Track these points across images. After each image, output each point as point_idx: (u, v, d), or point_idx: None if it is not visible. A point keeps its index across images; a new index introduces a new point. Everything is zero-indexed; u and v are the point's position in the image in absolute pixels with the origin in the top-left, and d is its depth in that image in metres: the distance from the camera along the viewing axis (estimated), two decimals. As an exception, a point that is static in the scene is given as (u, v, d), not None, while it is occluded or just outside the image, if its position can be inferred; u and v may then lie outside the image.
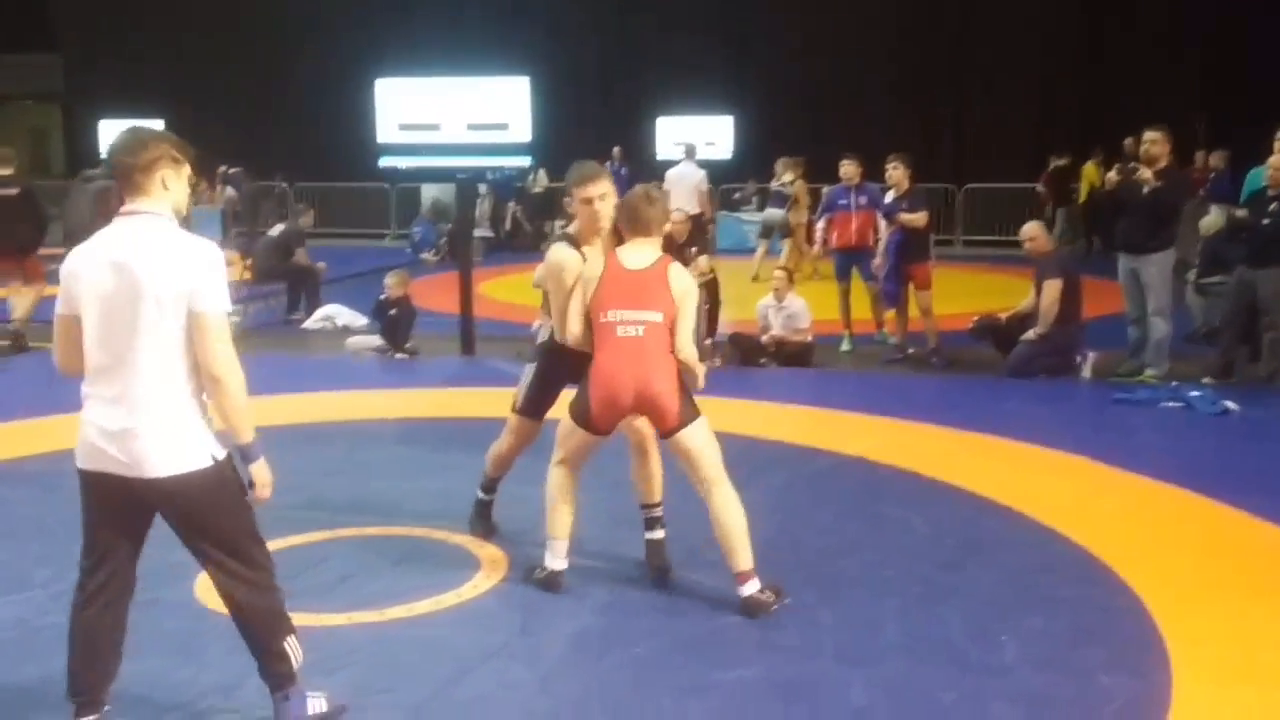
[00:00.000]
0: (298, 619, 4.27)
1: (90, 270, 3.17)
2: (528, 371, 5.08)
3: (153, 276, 3.11)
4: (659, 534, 4.86)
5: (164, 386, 3.16)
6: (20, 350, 10.01)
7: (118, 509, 3.26)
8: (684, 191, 14.33)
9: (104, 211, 10.17)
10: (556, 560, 4.66)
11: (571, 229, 4.86)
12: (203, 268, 3.17)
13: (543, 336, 5.06)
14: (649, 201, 4.59)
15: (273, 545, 4.94)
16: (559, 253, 4.67)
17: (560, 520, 4.63)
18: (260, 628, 3.38)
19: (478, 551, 5.09)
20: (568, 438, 4.61)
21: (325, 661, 4.00)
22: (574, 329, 4.56)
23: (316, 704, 3.51)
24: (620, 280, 4.46)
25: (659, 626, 4.34)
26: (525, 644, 4.19)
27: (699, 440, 4.49)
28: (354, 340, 10.22)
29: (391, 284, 9.99)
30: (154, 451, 3.15)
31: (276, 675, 3.40)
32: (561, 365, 4.80)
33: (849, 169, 10.36)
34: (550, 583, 4.63)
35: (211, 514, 3.26)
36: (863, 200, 10.16)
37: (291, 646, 3.40)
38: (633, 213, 4.55)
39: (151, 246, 3.16)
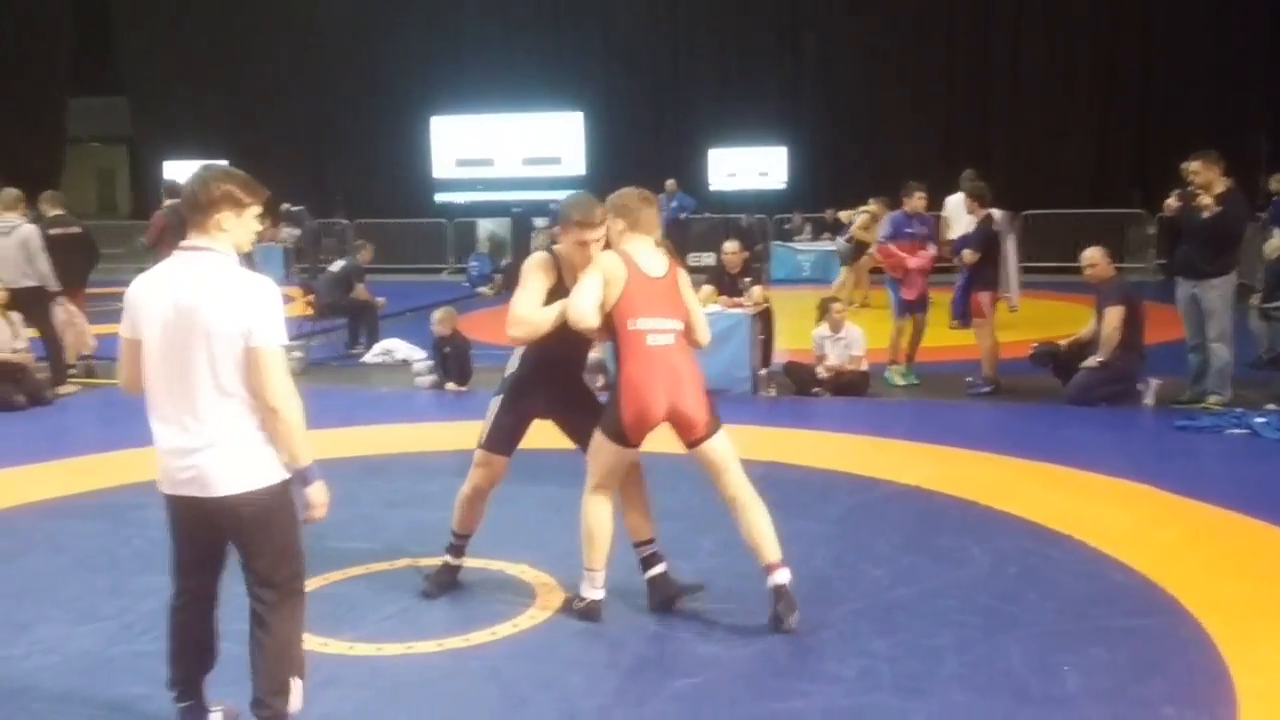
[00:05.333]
0: (358, 649, 4.36)
1: (151, 300, 3.30)
2: (493, 404, 4.83)
3: (209, 312, 3.22)
4: (663, 568, 4.77)
5: (225, 411, 3.27)
6: (90, 376, 10.41)
7: (194, 528, 3.41)
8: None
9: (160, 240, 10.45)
10: (596, 590, 4.66)
11: (556, 248, 4.69)
12: (258, 303, 3.27)
13: (511, 368, 4.82)
14: (647, 202, 4.65)
15: (333, 576, 5.09)
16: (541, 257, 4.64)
17: (600, 551, 4.63)
18: (277, 658, 3.41)
19: (534, 582, 5.12)
20: (599, 457, 4.57)
21: (383, 692, 4.05)
22: (595, 319, 4.42)
23: None
24: (647, 288, 4.47)
25: (712, 656, 4.33)
26: (581, 674, 4.20)
27: (726, 446, 4.58)
28: (419, 375, 10.33)
29: (438, 321, 10.08)
30: (220, 471, 3.28)
31: (269, 709, 3.39)
32: (529, 396, 4.72)
33: (921, 201, 10.06)
34: (590, 613, 4.64)
35: (267, 533, 3.36)
36: (924, 230, 10.00)
37: (295, 687, 3.45)
38: (633, 213, 4.58)
39: (208, 282, 3.26)
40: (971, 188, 9.96)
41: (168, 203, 11.46)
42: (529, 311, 4.49)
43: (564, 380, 4.80)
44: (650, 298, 4.46)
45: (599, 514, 4.62)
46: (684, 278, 4.67)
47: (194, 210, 3.35)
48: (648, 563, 4.78)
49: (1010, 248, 9.70)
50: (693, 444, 4.56)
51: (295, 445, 3.33)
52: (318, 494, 3.41)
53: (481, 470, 4.83)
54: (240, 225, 3.38)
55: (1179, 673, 4.10)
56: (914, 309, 9.83)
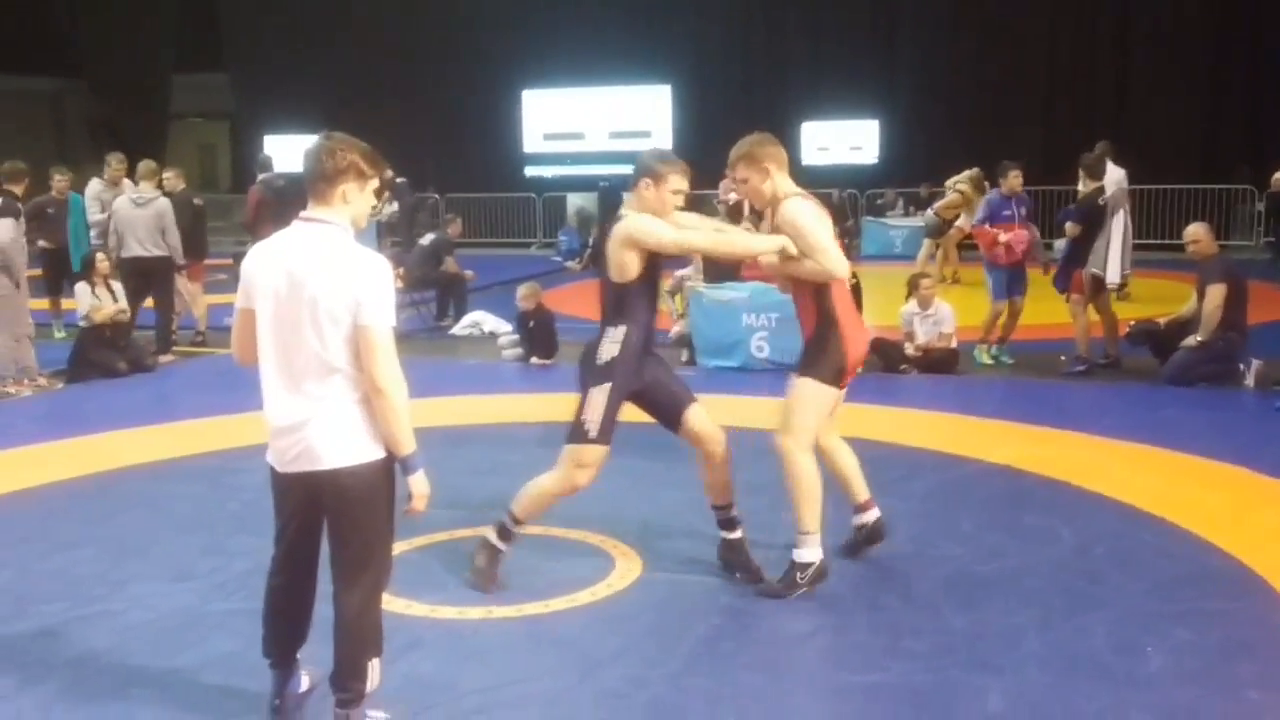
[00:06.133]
0: (440, 612, 4.45)
1: (265, 271, 3.28)
2: (598, 395, 4.49)
3: (320, 287, 3.19)
4: (738, 534, 4.81)
5: (331, 385, 3.24)
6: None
7: (299, 504, 3.39)
8: None
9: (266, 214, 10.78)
10: (818, 551, 4.58)
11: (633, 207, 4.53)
12: (370, 282, 3.21)
13: (610, 353, 4.49)
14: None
15: (417, 542, 5.19)
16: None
17: (818, 509, 4.56)
18: (357, 640, 3.40)
19: (613, 552, 5.16)
20: (811, 406, 4.53)
21: (463, 655, 4.13)
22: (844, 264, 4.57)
23: None
24: None
25: (789, 629, 4.33)
26: (656, 642, 4.23)
27: None
28: (505, 349, 10.44)
29: (522, 296, 10.16)
30: (326, 443, 3.25)
31: (348, 691, 3.40)
32: (634, 378, 4.55)
33: (1018, 180, 9.74)
34: (821, 575, 4.59)
35: (365, 509, 3.33)
36: (1023, 211, 9.69)
37: (374, 668, 3.42)
38: (779, 154, 4.70)
39: (322, 256, 3.23)
40: (1084, 160, 9.68)
41: (261, 177, 11.75)
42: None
43: (653, 357, 4.71)
44: None
45: (813, 470, 4.57)
46: None
47: (318, 180, 3.28)
48: (726, 525, 4.81)
49: (1115, 226, 9.42)
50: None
51: (398, 430, 3.27)
52: (419, 484, 3.37)
53: (589, 471, 4.55)
54: (362, 198, 3.34)
55: (1268, 657, 4.01)
56: (1013, 292, 9.59)
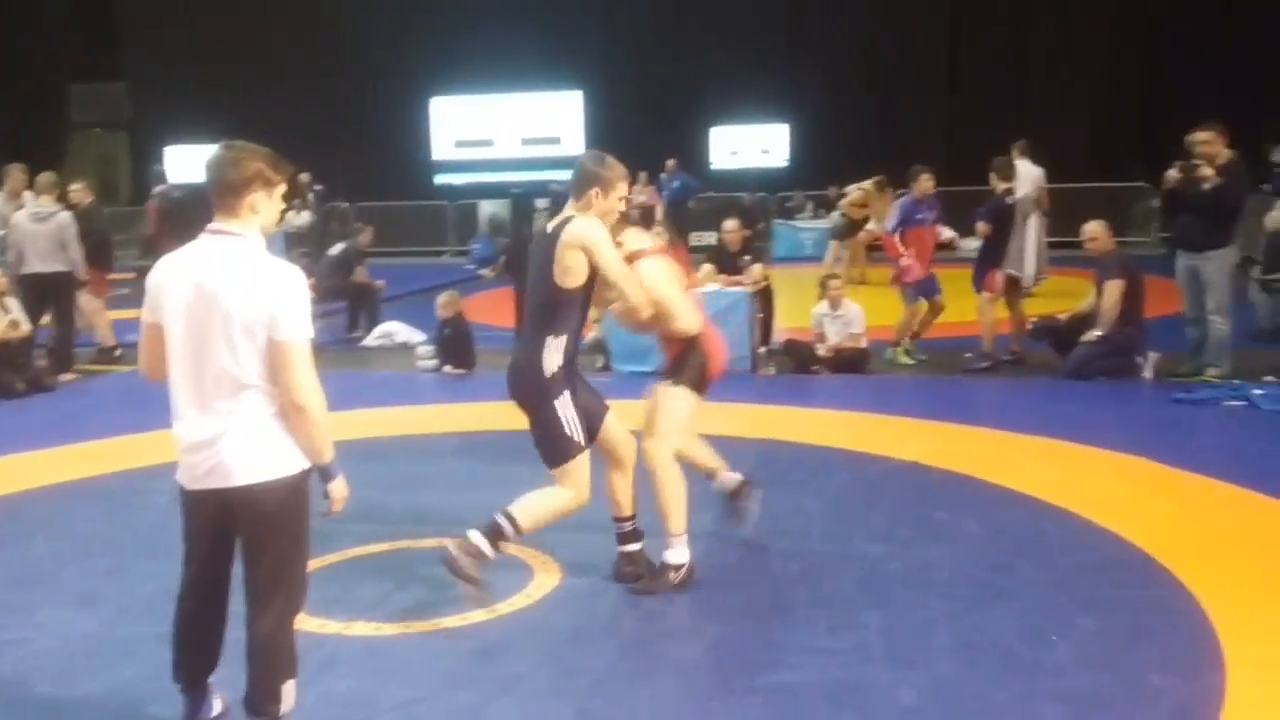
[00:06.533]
0: (355, 629, 4.40)
1: (174, 286, 3.20)
2: (561, 408, 4.42)
3: (234, 301, 3.12)
4: (638, 546, 4.83)
5: (244, 400, 3.17)
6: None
7: (210, 523, 3.31)
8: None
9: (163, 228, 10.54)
10: (687, 551, 4.72)
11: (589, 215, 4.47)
12: (285, 295, 3.15)
13: (557, 362, 4.42)
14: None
15: (331, 558, 5.13)
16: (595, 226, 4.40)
17: (685, 511, 4.71)
18: (272, 661, 3.34)
19: (530, 561, 5.15)
20: (680, 413, 4.75)
21: (380, 671, 4.09)
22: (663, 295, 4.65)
23: None
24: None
25: (707, 631, 4.38)
26: (576, 651, 4.24)
27: None
28: (421, 359, 10.36)
29: (441, 304, 10.11)
30: (238, 460, 3.18)
31: (263, 714, 3.35)
32: (574, 387, 4.53)
33: (929, 184, 9.85)
34: (690, 576, 4.72)
35: (278, 527, 3.27)
36: (933, 214, 9.84)
37: (289, 690, 3.36)
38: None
39: (235, 270, 3.15)
40: (995, 163, 9.89)
41: (158, 190, 11.51)
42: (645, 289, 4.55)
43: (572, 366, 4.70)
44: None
45: (678, 475, 4.70)
46: None
47: (224, 191, 3.19)
48: (626, 539, 4.81)
49: (1030, 227, 9.63)
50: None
51: (319, 441, 3.23)
52: (339, 489, 3.35)
53: (588, 479, 4.50)
54: (271, 206, 3.27)
55: (1169, 642, 4.13)
56: (928, 293, 9.76)
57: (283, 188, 3.32)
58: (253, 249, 3.23)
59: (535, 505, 4.53)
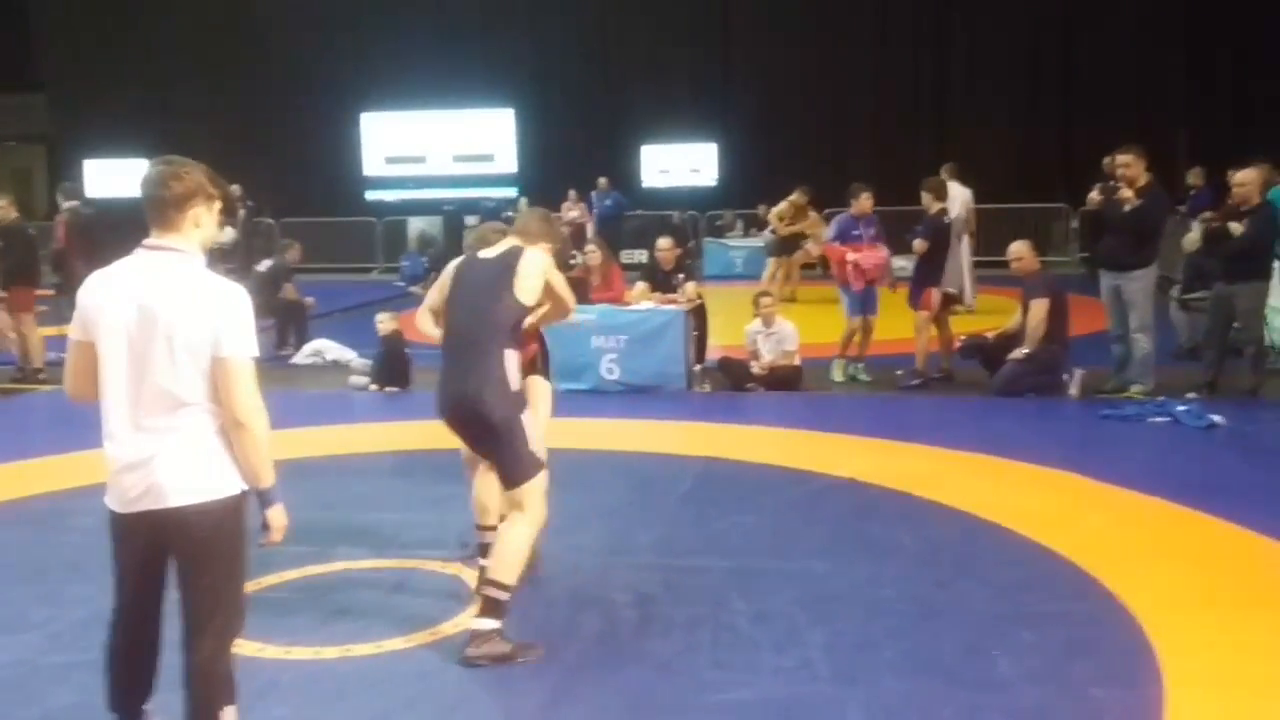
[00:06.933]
0: (295, 653, 4.32)
1: (110, 303, 3.11)
2: (526, 423, 4.42)
3: (177, 319, 3.05)
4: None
5: (182, 420, 3.10)
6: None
7: (142, 546, 3.22)
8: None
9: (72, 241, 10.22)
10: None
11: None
12: (229, 312, 3.10)
13: (519, 378, 4.45)
14: (547, 221, 4.86)
15: (267, 580, 5.04)
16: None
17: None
18: (210, 687, 3.25)
19: (470, 581, 5.10)
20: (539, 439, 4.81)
21: (322, 696, 4.02)
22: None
23: None
24: None
25: (653, 651, 4.35)
26: (523, 672, 4.19)
27: None
28: (355, 377, 10.24)
29: (381, 321, 10.02)
30: (173, 481, 3.10)
31: None
32: None
33: (868, 202, 9.93)
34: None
35: (214, 550, 3.19)
36: (872, 231, 9.89)
37: (228, 715, 3.27)
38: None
39: (177, 287, 3.09)
40: (927, 183, 10.04)
41: (67, 205, 11.22)
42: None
43: None
44: None
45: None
46: None
47: (165, 206, 3.12)
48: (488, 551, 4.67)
49: (963, 247, 9.78)
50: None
51: (259, 463, 3.17)
52: (277, 517, 3.27)
53: (543, 493, 4.43)
54: (212, 221, 3.22)
55: (1107, 655, 4.21)
56: (866, 310, 9.82)
57: (219, 203, 3.27)
58: (194, 265, 3.17)
59: (509, 555, 4.32)
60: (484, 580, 4.43)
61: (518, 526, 4.35)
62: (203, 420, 3.13)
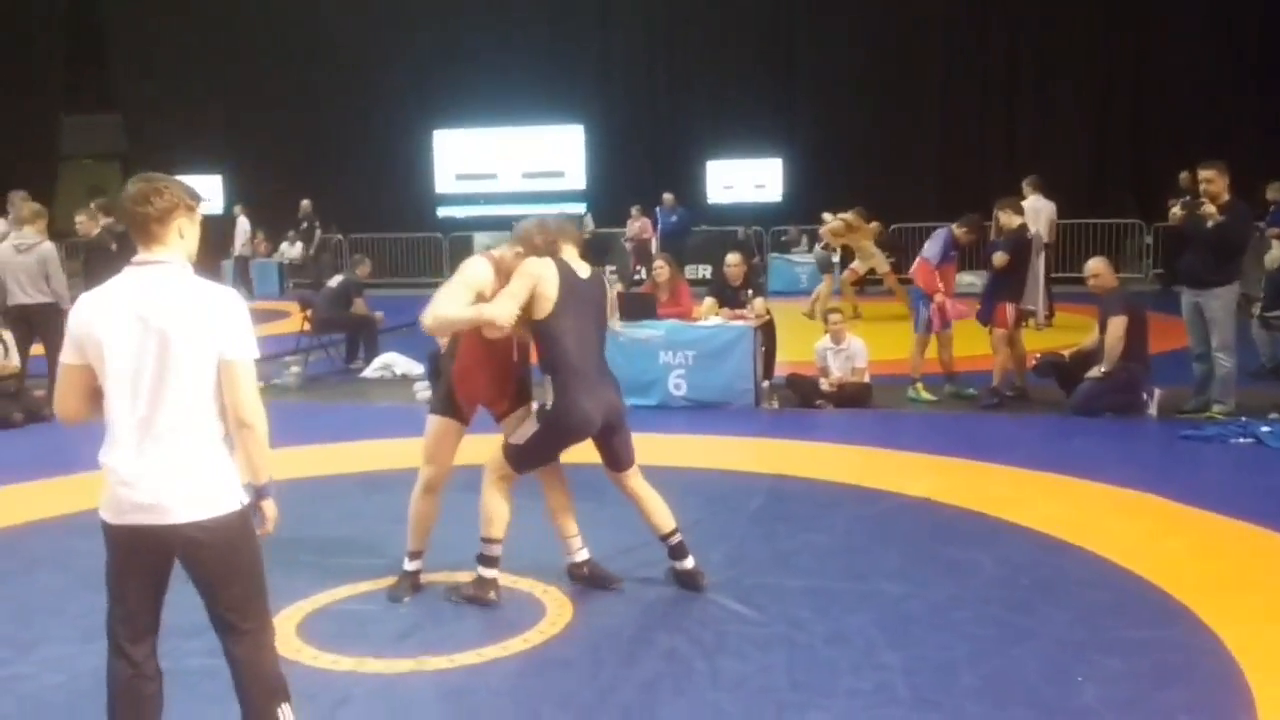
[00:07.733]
0: (367, 665, 4.33)
1: (110, 322, 3.12)
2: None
3: (180, 330, 3.08)
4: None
5: (194, 433, 3.13)
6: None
7: (143, 559, 3.24)
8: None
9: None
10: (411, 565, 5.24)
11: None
12: (226, 315, 3.15)
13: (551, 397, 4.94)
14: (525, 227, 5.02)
15: (339, 593, 5.06)
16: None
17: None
18: (261, 690, 3.27)
19: (543, 596, 5.09)
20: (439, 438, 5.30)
21: (395, 709, 4.02)
22: None
23: None
24: None
25: (728, 670, 4.30)
26: (595, 690, 4.16)
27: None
28: (420, 392, 10.30)
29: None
30: (184, 496, 3.12)
31: None
32: None
33: (968, 237, 9.88)
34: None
35: (233, 560, 3.22)
36: (957, 255, 9.82)
37: (286, 714, 3.29)
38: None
39: (175, 298, 3.12)
40: (1002, 202, 9.90)
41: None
42: None
43: None
44: None
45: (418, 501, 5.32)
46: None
47: (149, 222, 3.16)
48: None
49: (1040, 262, 9.63)
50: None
51: (261, 460, 3.21)
52: (271, 508, 3.31)
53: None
54: (195, 231, 3.27)
55: (1197, 682, 4.08)
56: (943, 325, 9.62)
57: (199, 214, 3.32)
58: (185, 274, 3.20)
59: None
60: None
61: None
62: (208, 434, 3.16)
